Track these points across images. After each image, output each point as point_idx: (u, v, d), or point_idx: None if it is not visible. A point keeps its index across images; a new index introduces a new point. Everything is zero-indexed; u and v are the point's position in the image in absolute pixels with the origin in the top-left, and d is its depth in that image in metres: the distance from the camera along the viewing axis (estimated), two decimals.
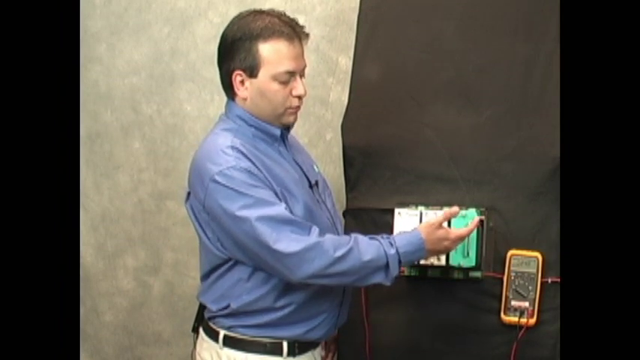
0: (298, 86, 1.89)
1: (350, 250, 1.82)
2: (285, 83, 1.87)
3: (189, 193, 1.94)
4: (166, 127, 2.74)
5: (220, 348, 1.94)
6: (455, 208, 1.93)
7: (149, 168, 2.78)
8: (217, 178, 1.82)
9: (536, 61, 2.03)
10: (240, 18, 1.90)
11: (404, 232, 1.94)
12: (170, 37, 2.70)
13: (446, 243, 1.90)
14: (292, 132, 2.02)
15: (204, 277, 1.98)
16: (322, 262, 1.81)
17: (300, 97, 1.90)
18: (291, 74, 1.87)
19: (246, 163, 1.83)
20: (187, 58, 2.70)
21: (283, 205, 1.83)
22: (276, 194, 1.85)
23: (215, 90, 2.61)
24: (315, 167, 2.07)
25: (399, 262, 1.86)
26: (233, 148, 1.84)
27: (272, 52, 1.85)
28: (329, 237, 1.85)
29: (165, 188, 2.77)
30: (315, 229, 1.84)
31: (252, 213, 1.80)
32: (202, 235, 1.91)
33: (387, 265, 1.85)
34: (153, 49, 2.72)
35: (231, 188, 1.81)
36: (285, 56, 1.86)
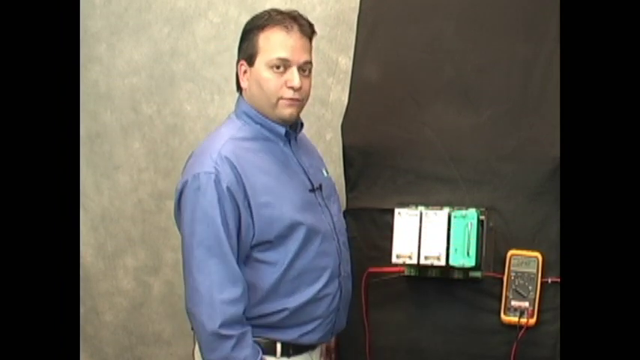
0: (293, 77, 1.87)
1: (229, 337, 1.80)
2: (278, 72, 1.86)
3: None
4: (166, 127, 2.74)
5: None
6: None
7: (149, 168, 2.78)
8: (192, 180, 1.83)
9: (536, 61, 2.03)
10: (255, 15, 1.93)
11: None
12: (170, 37, 2.70)
13: None
14: None
15: None
16: (208, 320, 1.80)
17: (293, 89, 1.87)
18: (284, 62, 1.86)
19: (228, 177, 1.82)
20: (187, 58, 2.70)
21: (228, 245, 1.81)
22: (250, 213, 1.83)
23: (215, 90, 2.61)
24: (323, 171, 2.06)
25: None
26: (222, 156, 1.83)
27: (267, 40, 1.86)
28: (238, 309, 1.82)
29: (166, 188, 2.76)
30: (240, 283, 1.82)
31: (197, 230, 1.81)
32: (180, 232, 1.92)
33: None
34: (153, 49, 2.72)
35: (197, 198, 1.82)
36: (278, 44, 1.86)
